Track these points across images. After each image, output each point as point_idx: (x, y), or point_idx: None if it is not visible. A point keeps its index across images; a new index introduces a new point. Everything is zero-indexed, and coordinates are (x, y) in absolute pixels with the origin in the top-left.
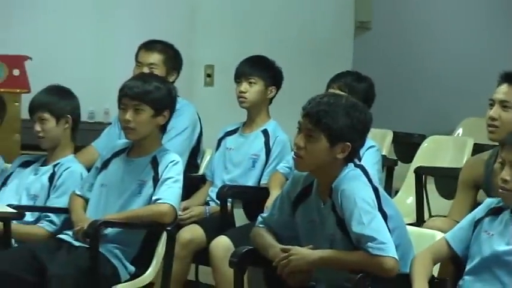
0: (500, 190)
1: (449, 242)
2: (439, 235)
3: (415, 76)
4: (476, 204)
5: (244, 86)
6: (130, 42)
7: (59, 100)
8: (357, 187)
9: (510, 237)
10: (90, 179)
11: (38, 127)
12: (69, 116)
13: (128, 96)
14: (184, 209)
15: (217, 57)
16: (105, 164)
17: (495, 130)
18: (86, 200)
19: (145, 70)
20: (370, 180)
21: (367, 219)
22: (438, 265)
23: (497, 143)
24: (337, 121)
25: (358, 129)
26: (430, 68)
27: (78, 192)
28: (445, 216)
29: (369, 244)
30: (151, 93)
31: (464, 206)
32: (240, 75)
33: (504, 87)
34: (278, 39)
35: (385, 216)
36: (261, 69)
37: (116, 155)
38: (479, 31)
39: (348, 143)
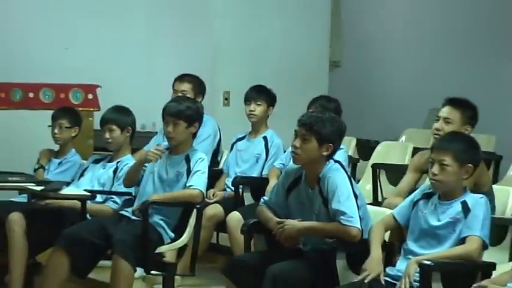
0: (431, 181)
1: (396, 216)
2: (388, 212)
3: (373, 99)
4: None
5: (253, 106)
6: (170, 74)
7: (123, 116)
8: (338, 176)
9: (439, 215)
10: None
11: (107, 135)
12: (129, 127)
13: (168, 114)
14: (212, 194)
15: (232, 85)
16: None
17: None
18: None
19: (179, 95)
20: (346, 171)
21: (343, 199)
22: (388, 233)
23: None
24: (325, 128)
25: (338, 135)
26: (383, 93)
27: None
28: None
29: (341, 217)
30: (184, 112)
31: (410, 181)
32: (249, 99)
33: (446, 108)
34: (276, 73)
35: (356, 196)
36: (264, 94)
37: None
38: (420, 67)
39: (331, 144)
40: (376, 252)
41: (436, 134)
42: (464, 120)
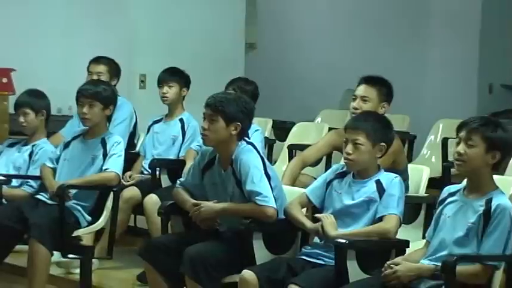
0: (345, 160)
1: (309, 196)
2: (302, 191)
3: (289, 80)
4: (321, 159)
5: (165, 88)
6: (86, 57)
7: (37, 100)
8: (250, 157)
9: (353, 194)
10: (57, 155)
11: (21, 119)
12: (44, 110)
13: (84, 95)
14: (129, 177)
15: (149, 68)
16: (67, 145)
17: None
18: (54, 170)
19: (95, 77)
20: (258, 152)
21: (256, 180)
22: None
23: None
24: (230, 107)
25: (245, 113)
26: (299, 75)
27: (49, 165)
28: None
29: (257, 197)
30: (101, 93)
31: (317, 152)
32: (161, 81)
33: (362, 86)
34: (192, 56)
35: (269, 177)
36: (176, 76)
37: (74, 138)
38: (335, 48)
39: (239, 123)
40: (309, 223)
41: (354, 113)
42: (381, 97)
